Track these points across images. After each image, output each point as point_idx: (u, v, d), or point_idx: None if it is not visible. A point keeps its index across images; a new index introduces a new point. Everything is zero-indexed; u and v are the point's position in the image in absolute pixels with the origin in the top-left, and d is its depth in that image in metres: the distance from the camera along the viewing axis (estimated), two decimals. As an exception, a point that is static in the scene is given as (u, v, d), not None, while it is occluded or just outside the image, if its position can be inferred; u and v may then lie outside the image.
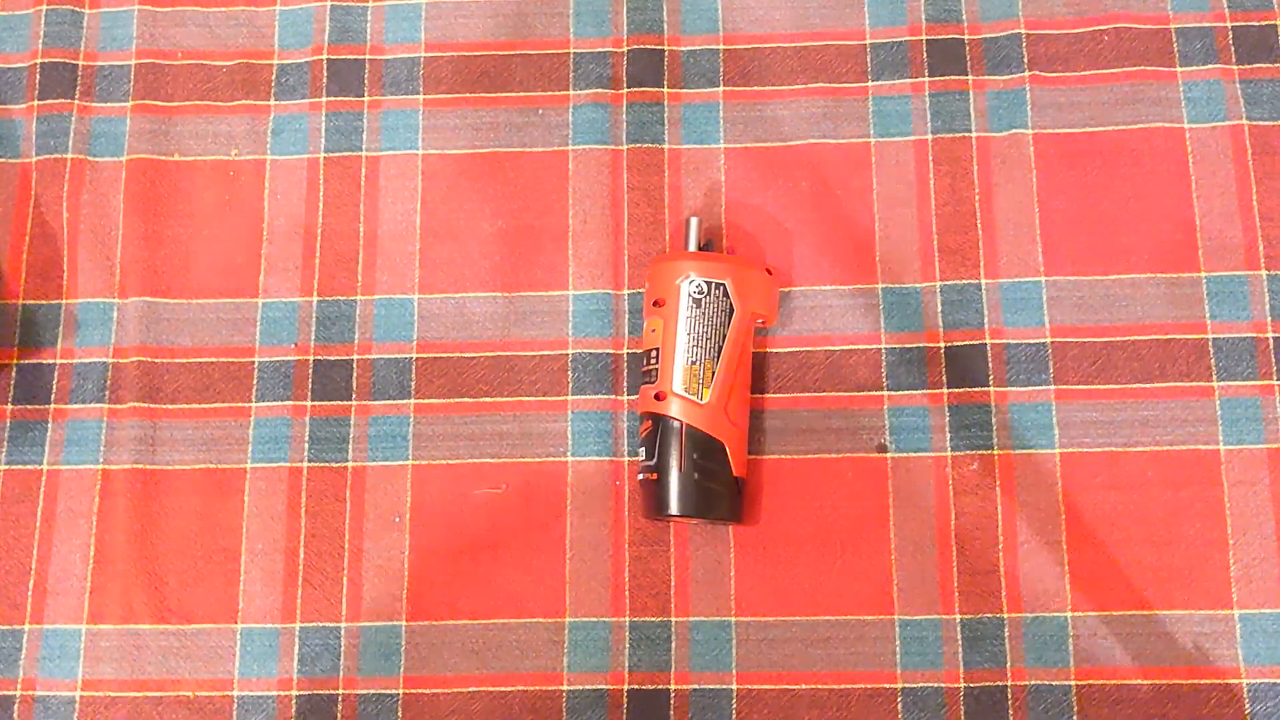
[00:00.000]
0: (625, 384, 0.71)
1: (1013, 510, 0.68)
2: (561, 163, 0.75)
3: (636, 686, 0.67)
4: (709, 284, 0.66)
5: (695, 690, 0.67)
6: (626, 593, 0.68)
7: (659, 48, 0.76)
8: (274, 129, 0.76)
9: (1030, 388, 0.70)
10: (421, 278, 0.74)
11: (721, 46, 0.76)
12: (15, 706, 0.68)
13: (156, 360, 0.73)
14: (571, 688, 0.67)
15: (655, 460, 0.65)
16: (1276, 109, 0.73)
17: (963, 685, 0.66)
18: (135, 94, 0.77)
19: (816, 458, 0.70)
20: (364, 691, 0.67)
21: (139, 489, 0.70)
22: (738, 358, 0.66)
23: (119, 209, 0.75)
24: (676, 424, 0.65)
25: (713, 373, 0.65)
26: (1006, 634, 0.66)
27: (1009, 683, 0.66)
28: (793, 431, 0.70)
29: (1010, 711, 0.65)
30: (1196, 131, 0.73)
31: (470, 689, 0.67)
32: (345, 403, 0.72)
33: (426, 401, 0.71)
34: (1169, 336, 0.70)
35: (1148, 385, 0.69)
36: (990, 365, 0.70)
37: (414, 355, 0.72)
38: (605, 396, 0.71)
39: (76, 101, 0.77)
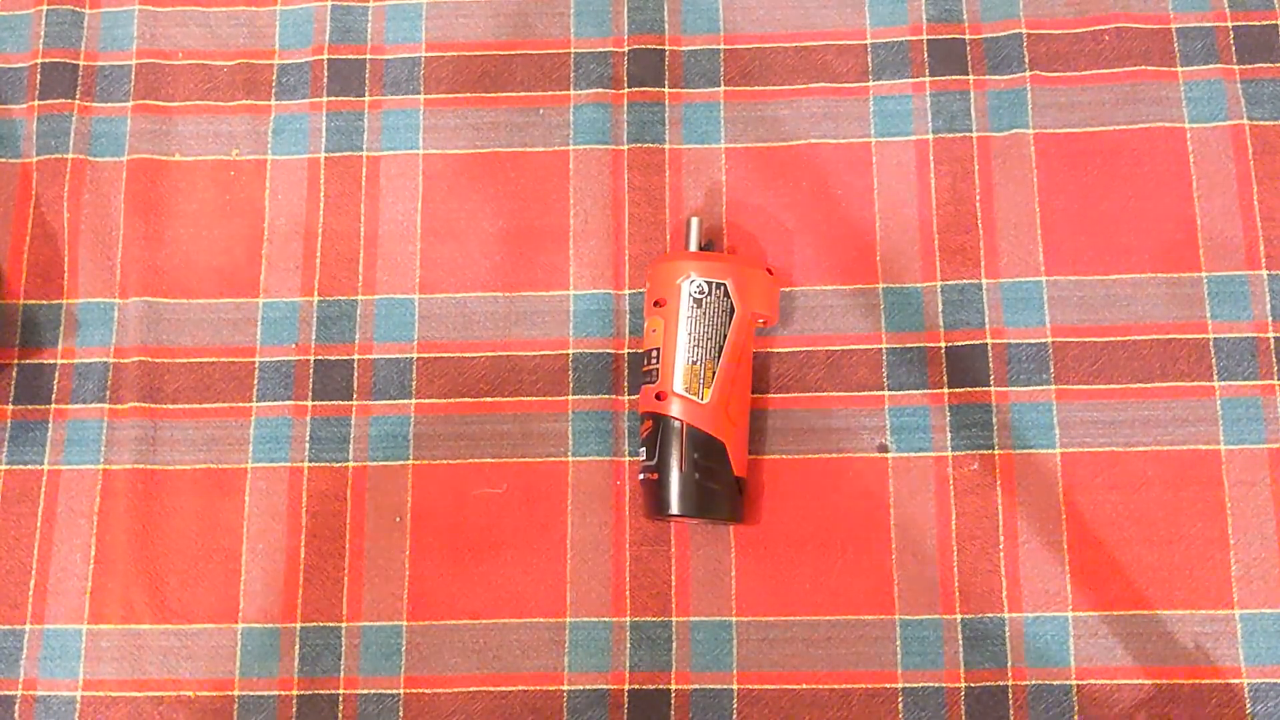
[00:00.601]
0: (626, 384, 0.71)
1: (1013, 510, 0.68)
2: (562, 163, 0.75)
3: (637, 686, 0.67)
4: (710, 284, 0.66)
5: (696, 690, 0.67)
6: (627, 593, 0.68)
7: (659, 47, 0.76)
8: (274, 129, 0.76)
9: (1031, 387, 0.70)
10: (422, 277, 0.74)
11: (722, 46, 0.76)
12: (16, 706, 0.68)
13: (157, 360, 0.73)
14: (572, 688, 0.67)
15: (656, 460, 0.65)
16: (1277, 109, 0.73)
17: (963, 685, 0.66)
18: (136, 94, 0.77)
19: (817, 458, 0.70)
20: (365, 691, 0.67)
21: (139, 489, 0.71)
22: (738, 358, 0.66)
23: (119, 209, 0.75)
24: (677, 424, 0.65)
25: (713, 372, 0.65)
26: (1007, 634, 0.66)
27: (1010, 682, 0.66)
28: (793, 431, 0.70)
29: (1011, 711, 0.65)
30: (1197, 131, 0.73)
31: (471, 689, 0.67)
32: (346, 402, 0.72)
33: (427, 401, 0.71)
34: (1170, 336, 0.70)
35: (1148, 385, 0.69)
36: (991, 365, 0.70)
37: (414, 355, 0.72)
38: (606, 396, 0.71)
39: (77, 101, 0.77)
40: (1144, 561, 0.67)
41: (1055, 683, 0.66)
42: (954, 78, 0.75)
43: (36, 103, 0.77)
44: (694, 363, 0.65)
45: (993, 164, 0.73)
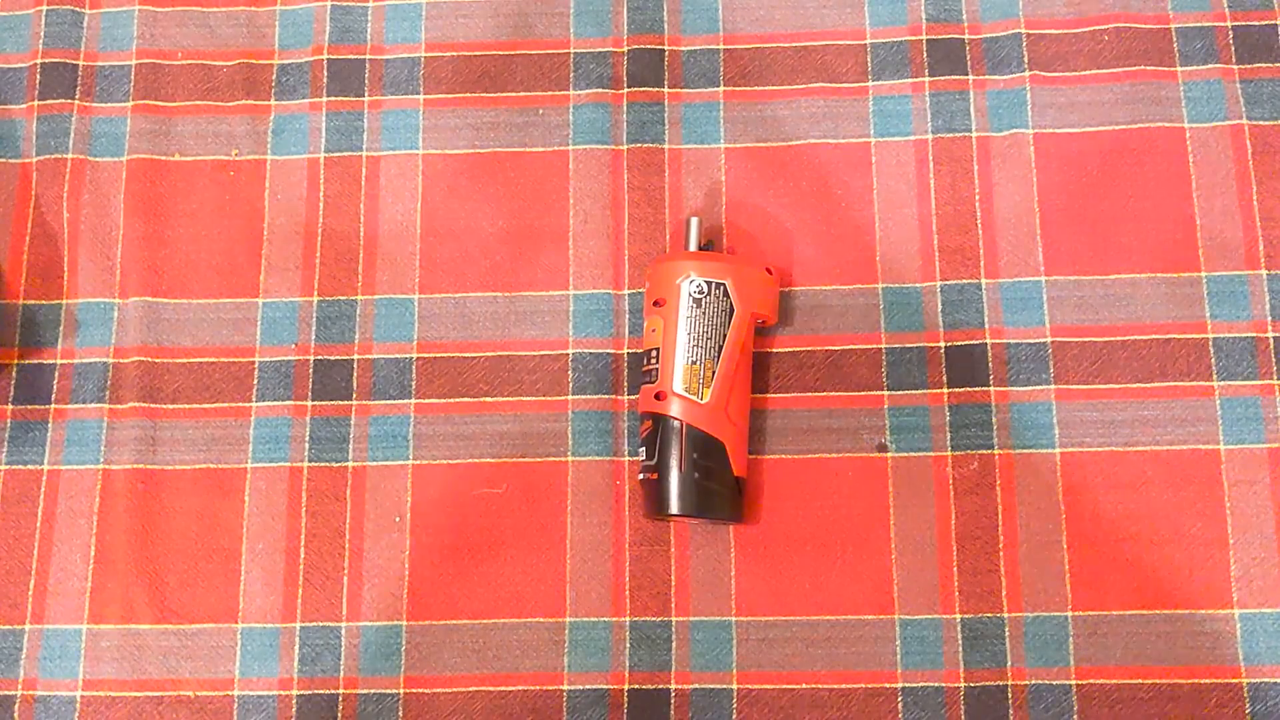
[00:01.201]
0: (625, 384, 0.71)
1: (1013, 510, 0.68)
2: (562, 163, 0.75)
3: (637, 686, 0.67)
4: (709, 284, 0.66)
5: (695, 690, 0.67)
6: (627, 593, 0.68)
7: (659, 47, 0.76)
8: (274, 129, 0.77)
9: (1030, 387, 0.70)
10: (422, 277, 0.74)
11: (722, 46, 0.76)
12: (16, 706, 0.68)
13: (157, 360, 0.73)
14: (572, 688, 0.67)
15: (655, 460, 0.65)
16: (1277, 109, 0.73)
17: (963, 685, 0.66)
18: (135, 94, 0.77)
19: (817, 457, 0.70)
20: (364, 691, 0.67)
21: (139, 489, 0.71)
22: (738, 357, 0.66)
23: (119, 209, 0.75)
24: (677, 424, 0.65)
25: (713, 372, 0.65)
26: (1007, 633, 0.66)
27: (1009, 682, 0.66)
28: (793, 431, 0.70)
29: (1011, 711, 0.65)
30: (1197, 131, 0.73)
31: (471, 689, 0.67)
32: (346, 402, 0.72)
33: (427, 401, 0.71)
34: (1169, 336, 0.70)
35: (1148, 385, 0.69)
36: (990, 365, 0.70)
37: (414, 355, 0.72)
38: (605, 396, 0.71)
39: (77, 101, 0.77)
40: (1143, 561, 0.67)
41: (1055, 682, 0.66)
42: (953, 78, 0.75)
43: (36, 103, 0.77)
44: (693, 363, 0.65)
45: (992, 164, 0.73)
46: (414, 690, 0.67)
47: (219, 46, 0.78)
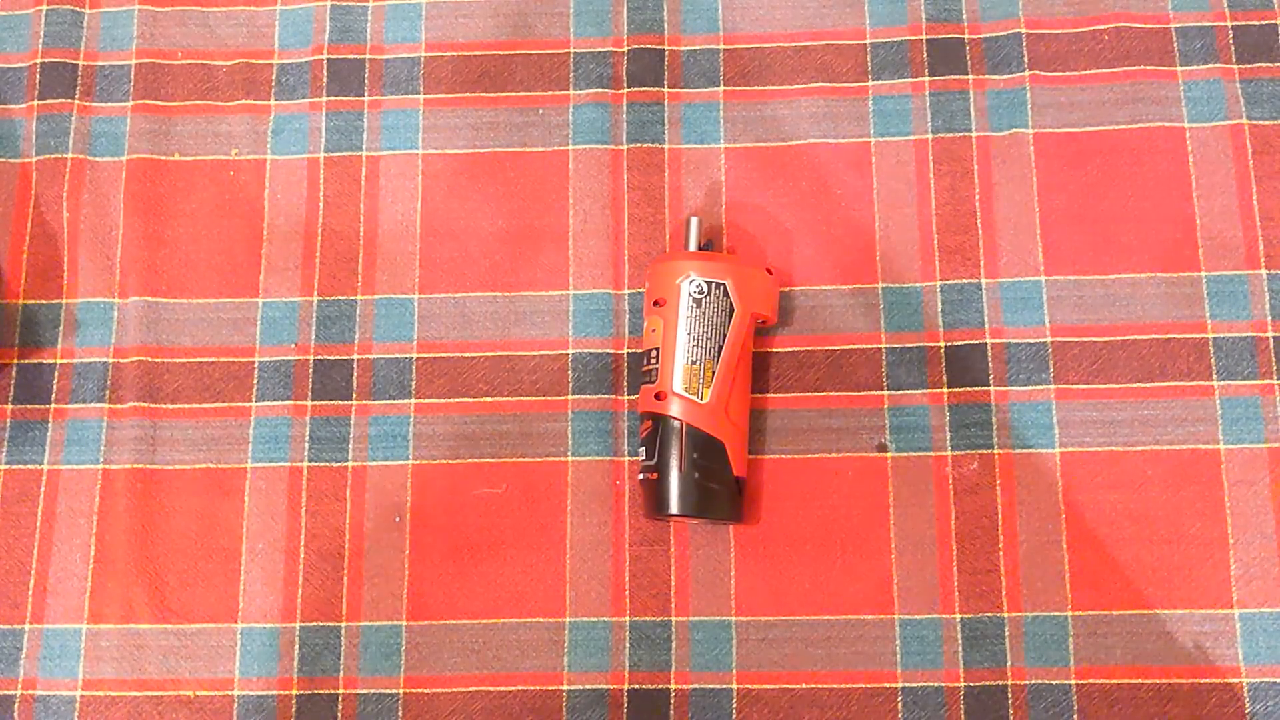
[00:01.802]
0: (625, 384, 0.71)
1: (1013, 510, 0.68)
2: (561, 163, 0.75)
3: (637, 686, 0.67)
4: (709, 284, 0.66)
5: (695, 690, 0.67)
6: (627, 593, 0.68)
7: (659, 47, 0.76)
8: (274, 129, 0.76)
9: (1030, 387, 0.70)
10: (421, 277, 0.74)
11: (721, 46, 0.76)
12: (15, 706, 0.68)
13: (157, 360, 0.73)
14: (572, 687, 0.67)
15: (655, 460, 0.65)
16: (1276, 108, 0.73)
17: (963, 685, 0.66)
18: (135, 94, 0.77)
19: (817, 457, 0.70)
20: (364, 691, 0.67)
21: (139, 489, 0.71)
22: (738, 357, 0.66)
23: (119, 209, 0.75)
24: (676, 424, 0.65)
25: (713, 372, 0.65)
26: (1007, 633, 0.66)
27: (1009, 682, 0.66)
28: (793, 431, 0.70)
29: (1010, 711, 0.65)
30: (1196, 131, 0.73)
31: (470, 689, 0.67)
32: (345, 402, 0.72)
33: (427, 401, 0.71)
34: (1169, 336, 0.70)
35: (1148, 385, 0.69)
36: (990, 365, 0.70)
37: (414, 355, 0.72)
38: (605, 396, 0.71)
39: (76, 101, 0.77)
40: (1143, 561, 0.67)
41: (1054, 682, 0.66)
42: (953, 77, 0.75)
43: (36, 102, 0.77)
44: (693, 362, 0.65)
45: (992, 164, 0.73)
46: (414, 690, 0.67)
47: (219, 46, 0.78)
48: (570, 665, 0.67)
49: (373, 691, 0.67)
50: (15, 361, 0.73)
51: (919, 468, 0.69)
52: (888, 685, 0.66)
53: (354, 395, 0.72)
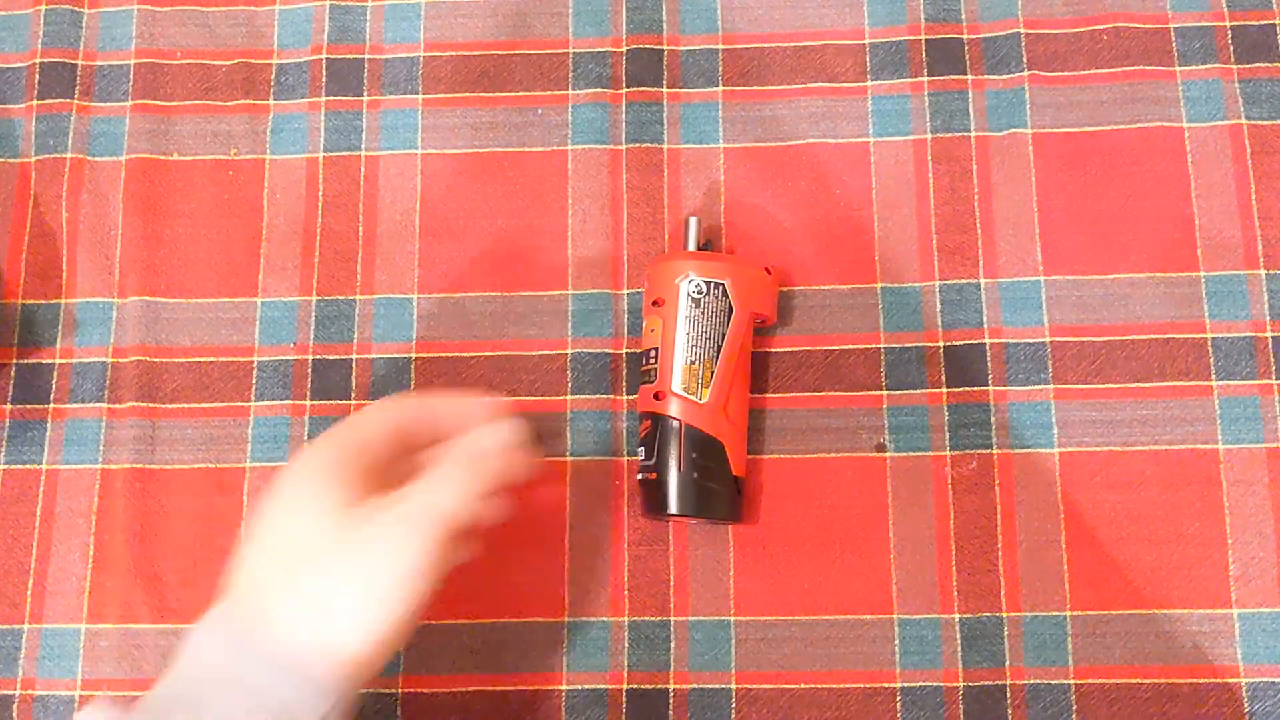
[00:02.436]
0: (624, 384, 0.71)
1: (1011, 509, 0.68)
2: (561, 162, 0.75)
3: (636, 686, 0.67)
4: (708, 284, 0.66)
5: (694, 690, 0.67)
6: (626, 592, 0.68)
7: (658, 47, 0.76)
8: (273, 128, 0.77)
9: (1029, 387, 0.70)
10: (420, 277, 0.74)
11: (721, 46, 0.76)
12: (14, 706, 0.68)
13: (156, 360, 0.73)
14: (571, 687, 0.67)
15: (654, 460, 0.65)
16: (1276, 108, 0.73)
17: (962, 684, 0.66)
18: (134, 94, 0.77)
19: (816, 457, 0.70)
20: (363, 691, 0.67)
21: (138, 488, 0.71)
22: (737, 357, 0.66)
23: (118, 208, 0.75)
24: (675, 423, 0.65)
25: (711, 372, 0.65)
26: (1005, 633, 0.66)
27: (1008, 682, 0.66)
28: (792, 431, 0.70)
29: (1009, 710, 0.65)
30: (1195, 131, 0.73)
31: (470, 689, 0.67)
32: (345, 402, 0.72)
33: (426, 401, 0.71)
34: (1168, 336, 0.70)
35: (1147, 385, 0.69)
36: (989, 365, 0.70)
37: (413, 355, 0.72)
38: (605, 396, 0.71)
39: (76, 101, 0.77)
40: (1142, 561, 0.67)
41: (1053, 682, 0.66)
42: (952, 77, 0.75)
43: (35, 102, 0.77)
44: (692, 362, 0.65)
45: (991, 163, 0.73)
46: (412, 690, 0.67)
47: (218, 46, 0.78)
48: (569, 665, 0.67)
49: (371, 691, 0.67)
50: (14, 361, 0.73)
51: (918, 468, 0.69)
52: (886, 685, 0.66)
53: (353, 395, 0.72)
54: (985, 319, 0.71)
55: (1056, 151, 0.73)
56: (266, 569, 0.54)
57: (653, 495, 0.66)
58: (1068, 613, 0.66)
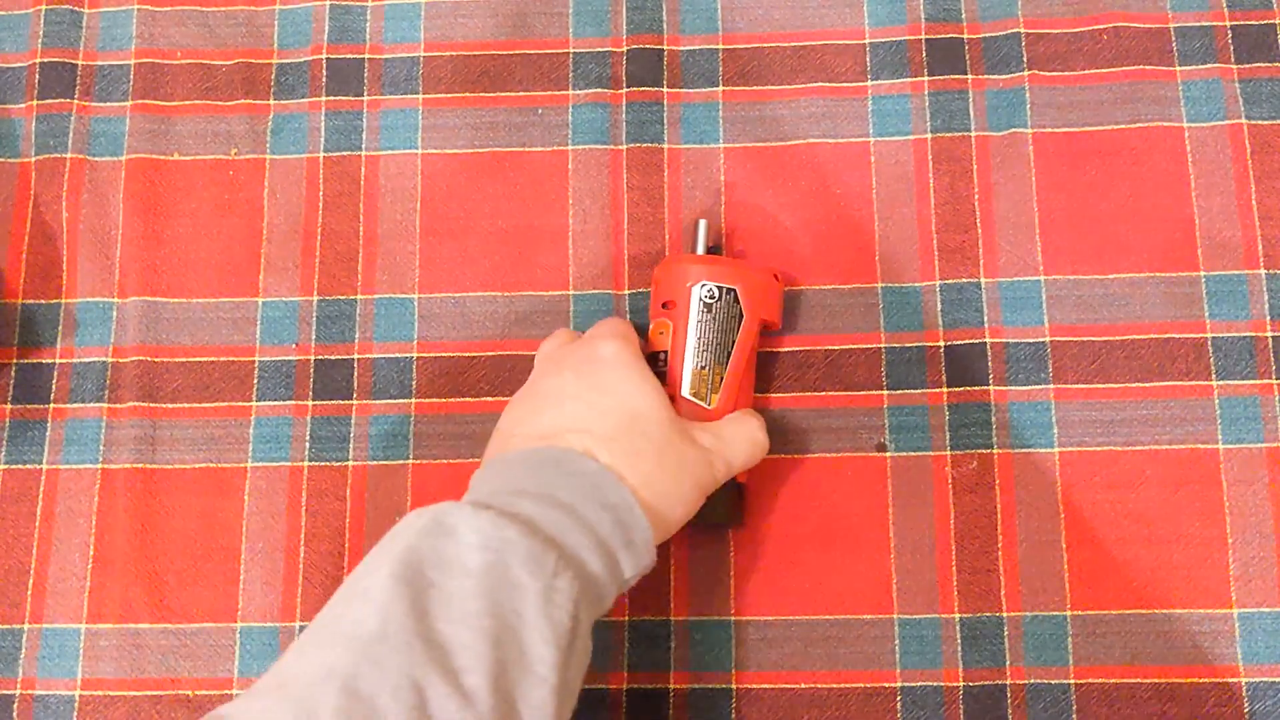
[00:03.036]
0: (625, 383, 0.71)
1: (1012, 509, 0.68)
2: (561, 162, 0.75)
3: (636, 686, 0.67)
4: (720, 289, 0.65)
5: (694, 690, 0.67)
6: (626, 592, 0.68)
7: (658, 47, 0.76)
8: (273, 128, 0.77)
9: (1029, 387, 0.70)
10: (421, 277, 0.74)
11: (721, 46, 0.76)
12: (15, 706, 0.68)
13: (156, 359, 0.73)
14: (571, 687, 0.67)
15: (656, 461, 0.65)
16: (1276, 108, 0.73)
17: (962, 684, 0.66)
18: (134, 93, 0.77)
19: (816, 457, 0.70)
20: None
21: (139, 488, 0.71)
22: (745, 364, 0.66)
23: (118, 208, 0.75)
24: (682, 428, 0.65)
25: (721, 378, 0.65)
26: (1005, 633, 0.66)
27: (1008, 681, 0.66)
28: (792, 431, 0.70)
29: (1009, 710, 0.65)
30: (1195, 131, 0.73)
31: (470, 688, 0.67)
32: (346, 401, 0.72)
33: (427, 401, 0.71)
34: (1168, 335, 0.70)
35: (1147, 384, 0.69)
36: (990, 364, 0.70)
37: (414, 355, 0.72)
38: (605, 396, 0.71)
39: (76, 101, 0.77)
40: (1142, 560, 0.67)
41: (1053, 682, 0.66)
42: (952, 77, 0.75)
43: (35, 102, 0.77)
44: (702, 368, 0.65)
45: (991, 163, 0.73)
46: (413, 690, 0.67)
47: (218, 46, 0.78)
48: (570, 665, 0.67)
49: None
50: (14, 361, 0.73)
51: (918, 467, 0.69)
52: (887, 685, 0.66)
53: (354, 395, 0.72)
54: (986, 319, 0.71)
55: (1057, 151, 0.73)
56: (607, 429, 0.58)
57: None
58: (1068, 612, 0.67)
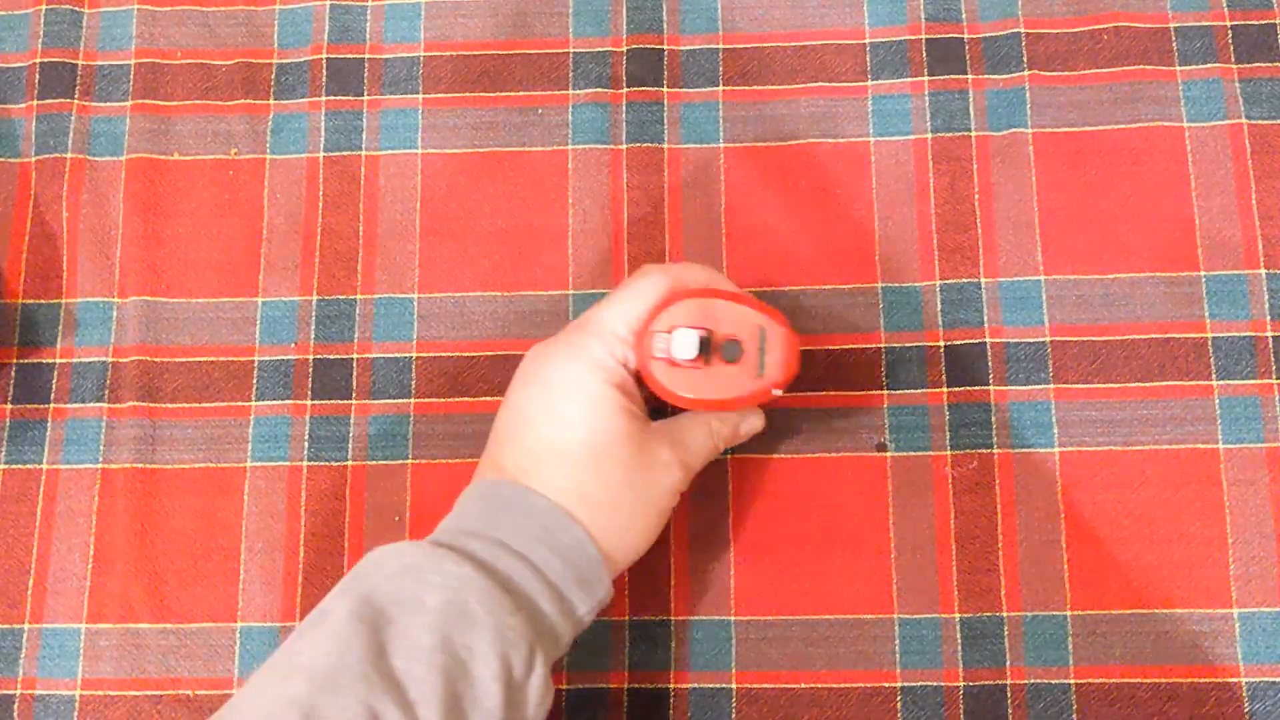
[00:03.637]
0: (625, 383, 0.71)
1: (1012, 509, 0.68)
2: (561, 162, 0.75)
3: (636, 686, 0.67)
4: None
5: (694, 689, 0.67)
6: (626, 592, 0.68)
7: (659, 47, 0.76)
8: (273, 128, 0.77)
9: (1029, 386, 0.70)
10: (421, 277, 0.74)
11: (721, 46, 0.76)
12: (15, 706, 0.68)
13: (156, 359, 0.73)
14: (571, 687, 0.67)
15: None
16: (1276, 108, 0.73)
17: (962, 684, 0.66)
18: (134, 93, 0.77)
19: (816, 457, 0.70)
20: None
21: (138, 488, 0.71)
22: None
23: (118, 208, 0.75)
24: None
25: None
26: (1006, 633, 0.66)
27: (1008, 681, 0.66)
28: (792, 431, 0.70)
29: (1009, 710, 0.65)
30: (1196, 130, 0.73)
31: (470, 688, 0.67)
32: (345, 401, 0.72)
33: (426, 401, 0.71)
34: (1168, 335, 0.70)
35: (1147, 384, 0.69)
36: (990, 364, 0.70)
37: (414, 354, 0.72)
38: (605, 396, 0.71)
39: (76, 101, 0.77)
40: (1142, 560, 0.67)
41: (1054, 681, 0.66)
42: (952, 77, 0.75)
43: (35, 102, 0.77)
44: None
45: (991, 163, 0.73)
46: (413, 689, 0.67)
47: (218, 46, 0.78)
48: (570, 665, 0.67)
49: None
50: (14, 361, 0.73)
51: (918, 467, 0.69)
52: (887, 685, 0.66)
53: (354, 394, 0.72)
54: (986, 318, 0.71)
55: (1057, 151, 0.73)
56: (564, 464, 0.58)
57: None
58: (1068, 612, 0.66)
